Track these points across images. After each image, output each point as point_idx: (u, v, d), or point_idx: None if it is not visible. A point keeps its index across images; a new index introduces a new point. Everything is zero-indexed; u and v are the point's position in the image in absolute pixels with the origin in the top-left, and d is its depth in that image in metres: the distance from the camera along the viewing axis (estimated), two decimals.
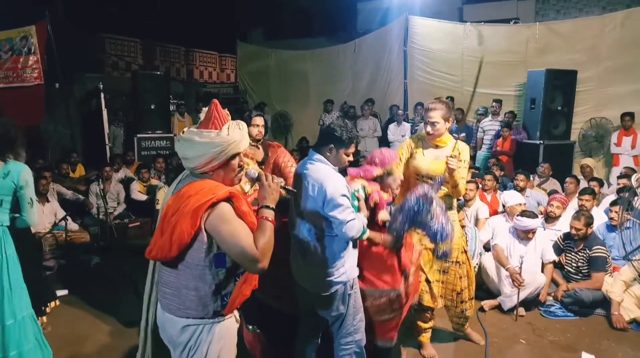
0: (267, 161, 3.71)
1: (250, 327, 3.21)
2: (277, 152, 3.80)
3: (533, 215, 4.53)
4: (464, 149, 3.37)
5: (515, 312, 4.23)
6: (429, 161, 3.33)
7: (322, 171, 2.65)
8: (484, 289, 4.72)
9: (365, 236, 2.79)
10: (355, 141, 2.72)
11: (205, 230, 1.89)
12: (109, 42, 14.74)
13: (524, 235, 4.48)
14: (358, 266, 2.85)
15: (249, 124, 3.87)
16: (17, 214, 3.10)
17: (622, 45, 7.47)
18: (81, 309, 4.33)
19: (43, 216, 5.48)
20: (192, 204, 1.85)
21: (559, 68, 7.51)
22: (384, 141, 9.28)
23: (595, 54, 7.70)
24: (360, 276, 2.91)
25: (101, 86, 8.19)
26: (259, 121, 3.87)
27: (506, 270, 4.35)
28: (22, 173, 3.07)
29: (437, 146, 3.37)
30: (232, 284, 2.01)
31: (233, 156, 2.02)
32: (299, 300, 2.91)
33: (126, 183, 7.11)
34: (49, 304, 3.92)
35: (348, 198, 2.63)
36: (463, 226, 4.65)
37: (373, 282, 3.00)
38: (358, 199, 2.89)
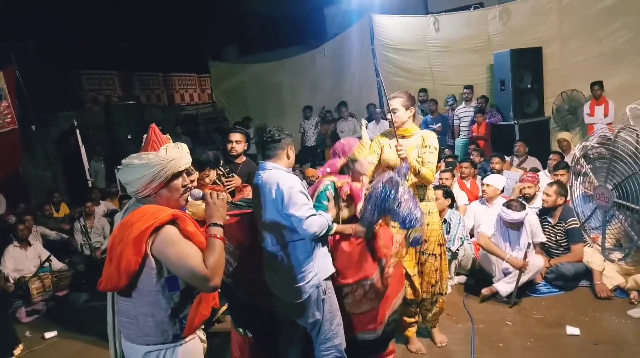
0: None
1: (241, 330, 3.22)
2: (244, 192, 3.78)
3: (519, 206, 4.25)
4: (429, 136, 3.40)
5: (512, 298, 4.18)
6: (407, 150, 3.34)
7: (276, 174, 2.70)
8: (476, 271, 4.74)
9: (332, 231, 2.79)
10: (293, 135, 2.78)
11: (153, 255, 1.89)
12: (86, 78, 14.82)
13: (514, 226, 4.31)
14: (336, 259, 2.88)
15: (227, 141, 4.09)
16: None
17: (582, 15, 7.48)
18: (71, 348, 4.32)
19: (27, 261, 5.50)
20: (134, 232, 1.86)
21: (523, 47, 7.56)
22: None
23: (558, 28, 7.72)
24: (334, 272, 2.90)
25: (75, 122, 8.21)
26: (231, 137, 4.11)
27: (507, 261, 4.21)
28: None
29: (403, 137, 3.39)
30: (189, 306, 2.01)
31: (175, 176, 2.03)
32: (277, 309, 2.92)
33: (110, 216, 7.10)
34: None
35: (305, 195, 2.67)
36: (441, 212, 4.65)
37: (346, 276, 2.98)
38: (328, 199, 2.90)
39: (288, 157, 2.79)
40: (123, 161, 2.05)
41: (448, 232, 4.76)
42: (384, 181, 2.87)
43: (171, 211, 1.95)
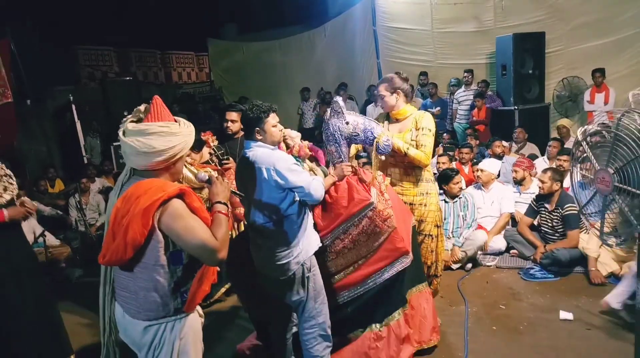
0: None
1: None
2: (226, 175, 3.86)
3: None
4: (422, 117, 3.37)
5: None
6: (393, 134, 3.33)
7: (265, 154, 2.67)
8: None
9: None
10: (274, 109, 2.70)
11: (160, 229, 1.89)
12: (83, 54, 14.67)
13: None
14: (326, 217, 2.92)
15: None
16: None
17: (586, 1, 7.42)
18: (65, 322, 4.28)
19: None
20: (142, 204, 1.84)
21: (526, 31, 7.48)
22: None
23: (561, 14, 7.66)
24: (333, 223, 2.93)
25: (71, 97, 8.14)
26: (227, 116, 4.20)
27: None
28: None
29: (397, 120, 3.43)
30: (190, 280, 2.02)
31: None
32: (266, 287, 2.91)
33: (106, 193, 7.06)
34: None
35: (298, 165, 2.70)
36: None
37: (343, 216, 2.94)
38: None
39: (267, 132, 2.68)
40: (146, 126, 1.96)
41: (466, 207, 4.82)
42: (328, 118, 2.99)
43: (178, 185, 1.97)
